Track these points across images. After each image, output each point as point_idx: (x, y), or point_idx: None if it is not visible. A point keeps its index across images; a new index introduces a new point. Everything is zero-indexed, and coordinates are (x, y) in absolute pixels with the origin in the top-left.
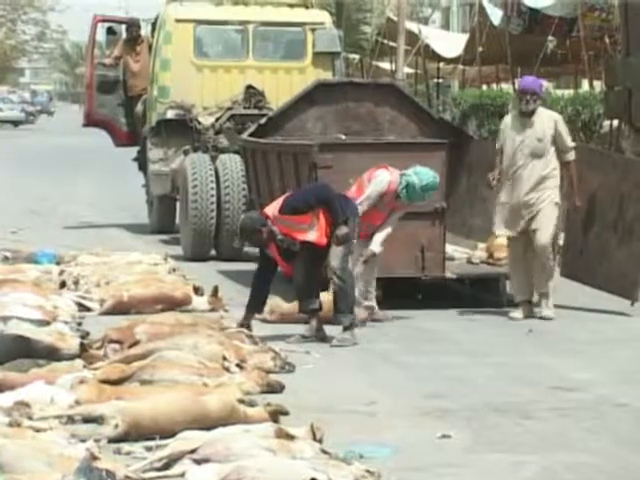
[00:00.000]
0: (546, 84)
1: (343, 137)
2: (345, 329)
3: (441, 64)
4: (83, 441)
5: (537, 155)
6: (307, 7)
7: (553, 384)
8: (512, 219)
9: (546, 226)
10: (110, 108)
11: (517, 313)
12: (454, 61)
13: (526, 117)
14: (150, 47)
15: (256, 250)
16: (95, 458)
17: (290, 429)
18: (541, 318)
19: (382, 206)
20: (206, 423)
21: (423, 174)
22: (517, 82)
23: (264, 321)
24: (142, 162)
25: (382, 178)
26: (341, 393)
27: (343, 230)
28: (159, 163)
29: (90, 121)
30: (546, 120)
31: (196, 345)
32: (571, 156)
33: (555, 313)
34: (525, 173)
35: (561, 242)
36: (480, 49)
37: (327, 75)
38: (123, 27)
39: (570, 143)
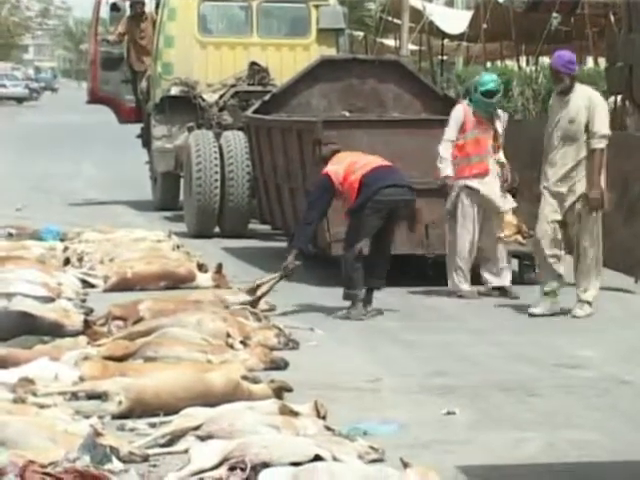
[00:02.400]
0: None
1: (347, 114)
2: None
3: (445, 41)
4: (87, 417)
5: (569, 138)
6: None
7: (557, 362)
8: (549, 206)
9: (586, 235)
10: (114, 85)
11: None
12: (458, 38)
13: (562, 95)
14: (154, 24)
15: (260, 227)
16: (99, 434)
17: (294, 406)
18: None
19: (475, 132)
20: (210, 400)
21: (481, 79)
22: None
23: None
24: (146, 139)
25: (454, 109)
26: (345, 370)
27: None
28: (163, 140)
29: (94, 98)
30: (581, 99)
31: (200, 322)
32: (597, 143)
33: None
34: (557, 158)
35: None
36: (484, 26)
37: (331, 52)
38: (127, 4)
39: (600, 128)
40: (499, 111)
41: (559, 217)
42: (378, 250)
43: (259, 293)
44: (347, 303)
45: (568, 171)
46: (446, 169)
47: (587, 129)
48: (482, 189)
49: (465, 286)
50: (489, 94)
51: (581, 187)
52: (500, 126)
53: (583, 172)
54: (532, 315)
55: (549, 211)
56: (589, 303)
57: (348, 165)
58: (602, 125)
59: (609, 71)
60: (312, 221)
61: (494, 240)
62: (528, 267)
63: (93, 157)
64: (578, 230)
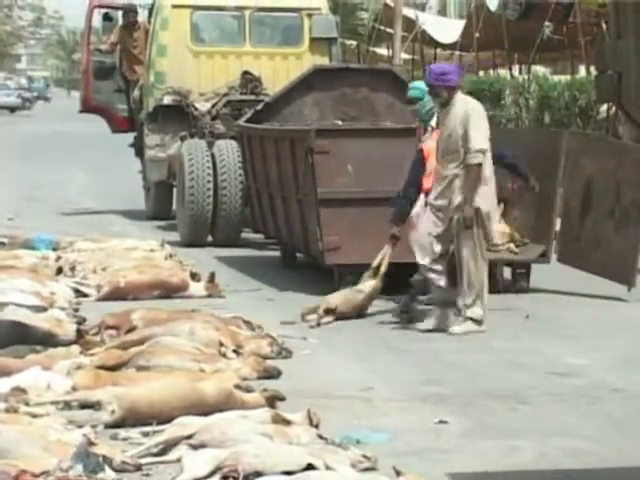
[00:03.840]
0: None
1: (340, 123)
2: None
3: (438, 50)
4: (80, 427)
5: (449, 152)
6: None
7: (549, 369)
8: (429, 219)
9: (464, 249)
10: (106, 94)
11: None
12: (451, 47)
13: (443, 108)
14: (147, 33)
15: (252, 236)
16: (92, 444)
17: (287, 415)
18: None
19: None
20: (203, 409)
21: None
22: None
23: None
24: (139, 148)
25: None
26: (338, 379)
27: None
28: (156, 149)
29: (87, 107)
30: (458, 112)
31: (193, 331)
32: (473, 158)
33: (552, 299)
34: (441, 172)
35: (557, 229)
36: (477, 35)
37: (324, 61)
38: (120, 13)
39: (475, 143)
40: (434, 120)
41: (439, 230)
42: None
43: (382, 271)
44: None
45: (447, 185)
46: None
47: (463, 143)
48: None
49: None
50: (410, 101)
51: (458, 200)
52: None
53: (461, 186)
54: (420, 330)
55: (428, 225)
56: (473, 320)
57: (430, 158)
58: (477, 139)
59: (598, 79)
60: (409, 197)
61: None
62: (521, 275)
63: (86, 166)
64: (457, 243)
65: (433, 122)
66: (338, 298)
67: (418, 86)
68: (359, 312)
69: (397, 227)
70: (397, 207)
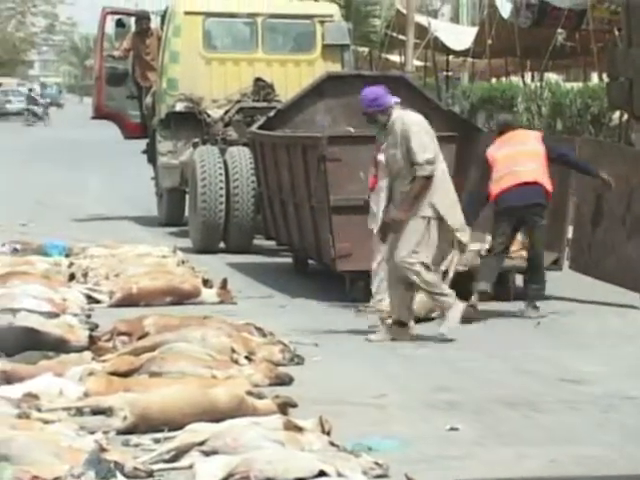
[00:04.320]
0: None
1: (352, 130)
2: None
3: (450, 57)
4: (92, 433)
5: (395, 171)
6: (316, 0)
7: (561, 377)
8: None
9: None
10: (119, 101)
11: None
12: (463, 54)
13: (383, 130)
14: (159, 40)
15: (265, 243)
16: (104, 450)
17: (298, 421)
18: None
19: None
20: (215, 415)
21: None
22: None
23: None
24: (151, 154)
25: None
26: (350, 385)
27: None
28: (168, 155)
29: (99, 113)
30: (397, 130)
31: (205, 337)
32: (421, 171)
33: (564, 306)
34: (393, 193)
35: (569, 236)
36: (489, 42)
37: (336, 68)
38: (132, 20)
39: (418, 157)
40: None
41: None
42: None
43: (450, 275)
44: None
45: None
46: None
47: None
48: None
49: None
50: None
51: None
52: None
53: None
54: (369, 340)
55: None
56: (455, 325)
57: (497, 164)
58: (420, 152)
59: (610, 86)
60: (480, 200)
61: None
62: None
63: (98, 172)
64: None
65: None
66: (416, 302)
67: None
68: (428, 314)
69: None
70: (470, 212)
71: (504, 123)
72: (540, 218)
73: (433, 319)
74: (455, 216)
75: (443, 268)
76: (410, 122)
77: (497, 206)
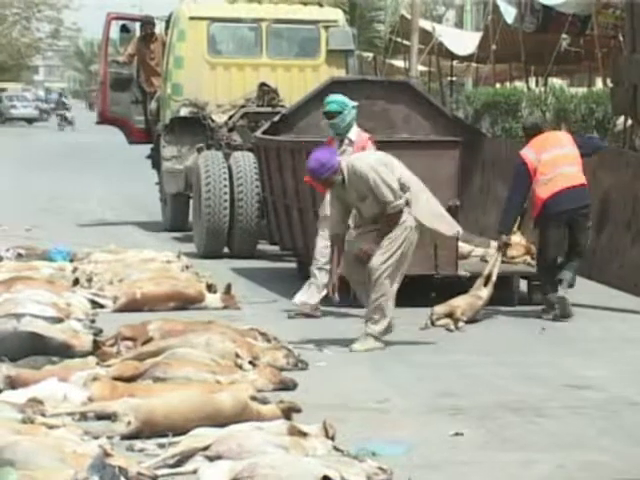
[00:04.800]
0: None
1: None
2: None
3: (455, 62)
4: (96, 438)
5: (373, 210)
6: (321, 5)
7: (566, 382)
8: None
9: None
10: (124, 106)
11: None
12: (468, 59)
13: (343, 184)
14: (164, 45)
15: (269, 248)
16: (108, 455)
17: (303, 426)
18: None
19: None
20: (219, 420)
21: (325, 100)
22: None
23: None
24: (156, 160)
25: None
26: (354, 390)
27: None
28: (172, 161)
29: (104, 119)
30: (353, 179)
31: (209, 342)
32: (393, 209)
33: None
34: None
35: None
36: (494, 47)
37: (340, 73)
38: (137, 25)
39: (385, 197)
40: (352, 133)
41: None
42: None
43: (493, 279)
44: None
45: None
46: None
47: (376, 196)
48: None
49: None
50: (329, 115)
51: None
52: (351, 150)
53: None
54: (352, 351)
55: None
56: (374, 337)
57: (543, 168)
58: (388, 193)
59: (614, 92)
60: (516, 205)
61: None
62: (536, 288)
63: (103, 177)
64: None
65: (351, 134)
66: (465, 303)
67: (336, 99)
68: (474, 317)
69: (507, 236)
70: (506, 217)
71: (533, 126)
72: (588, 220)
73: (477, 320)
74: (441, 223)
75: (486, 272)
76: (363, 171)
77: (546, 210)
